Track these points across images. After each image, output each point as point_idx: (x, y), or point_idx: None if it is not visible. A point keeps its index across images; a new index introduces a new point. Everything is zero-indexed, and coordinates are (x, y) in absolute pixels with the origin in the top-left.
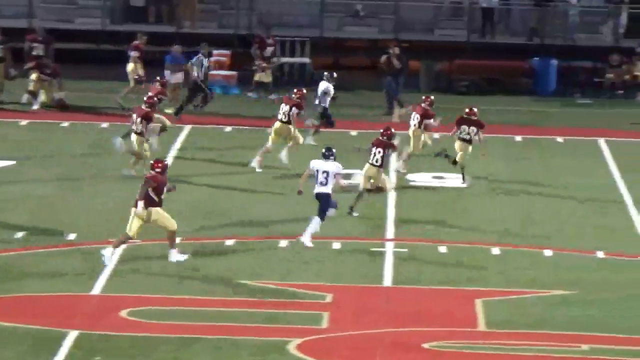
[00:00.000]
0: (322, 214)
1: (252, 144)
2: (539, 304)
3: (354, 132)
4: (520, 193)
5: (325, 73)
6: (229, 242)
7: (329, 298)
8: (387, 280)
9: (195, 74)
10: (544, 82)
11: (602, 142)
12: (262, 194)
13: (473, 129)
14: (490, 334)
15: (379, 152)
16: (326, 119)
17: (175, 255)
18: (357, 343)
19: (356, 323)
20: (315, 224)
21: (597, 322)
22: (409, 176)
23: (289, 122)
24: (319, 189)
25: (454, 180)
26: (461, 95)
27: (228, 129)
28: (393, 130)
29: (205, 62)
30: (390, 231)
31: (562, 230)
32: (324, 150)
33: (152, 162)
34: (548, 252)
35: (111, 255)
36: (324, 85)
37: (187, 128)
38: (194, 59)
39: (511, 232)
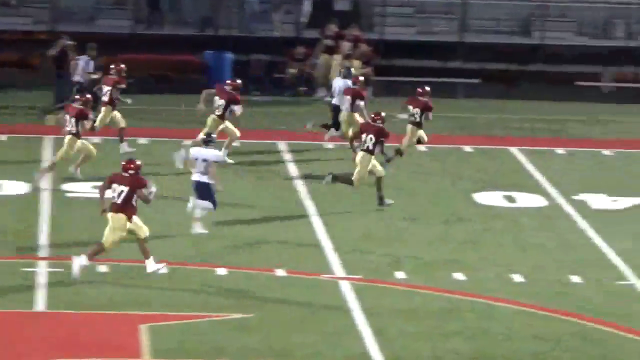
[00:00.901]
0: (212, 200)
1: None
2: (214, 328)
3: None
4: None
5: (341, 69)
6: None
7: None
8: (40, 305)
9: (78, 77)
10: (218, 78)
11: (282, 144)
12: None
13: (417, 110)
14: None
15: (371, 138)
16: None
17: (153, 266)
18: None
19: (3, 353)
20: (206, 207)
21: (273, 347)
22: (64, 186)
23: (224, 117)
24: (198, 178)
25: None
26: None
27: None
28: (384, 114)
29: (91, 65)
30: (44, 248)
31: (238, 246)
32: (204, 137)
33: (123, 162)
34: (222, 271)
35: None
36: (340, 82)
37: None
38: (80, 62)
39: (181, 248)
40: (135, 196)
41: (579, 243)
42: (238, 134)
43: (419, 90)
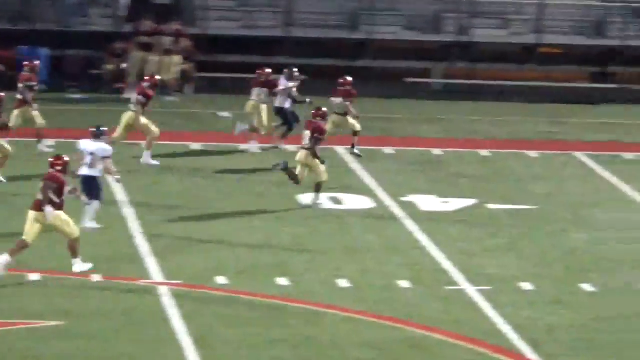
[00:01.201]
0: (97, 194)
1: None
2: (27, 337)
3: None
4: (17, 202)
5: (285, 70)
6: None
7: None
8: None
9: None
10: None
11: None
12: None
13: (339, 99)
14: None
15: (308, 134)
16: (285, 121)
17: (79, 266)
18: None
19: None
20: (94, 206)
21: (90, 356)
22: None
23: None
24: (84, 171)
25: None
26: None
27: None
28: (325, 110)
29: None
30: None
31: (51, 251)
32: (94, 129)
33: (51, 159)
34: (34, 276)
35: (5, 264)
36: (283, 83)
37: None
38: None
39: None
40: (63, 192)
41: (408, 246)
42: (157, 133)
43: (341, 80)
